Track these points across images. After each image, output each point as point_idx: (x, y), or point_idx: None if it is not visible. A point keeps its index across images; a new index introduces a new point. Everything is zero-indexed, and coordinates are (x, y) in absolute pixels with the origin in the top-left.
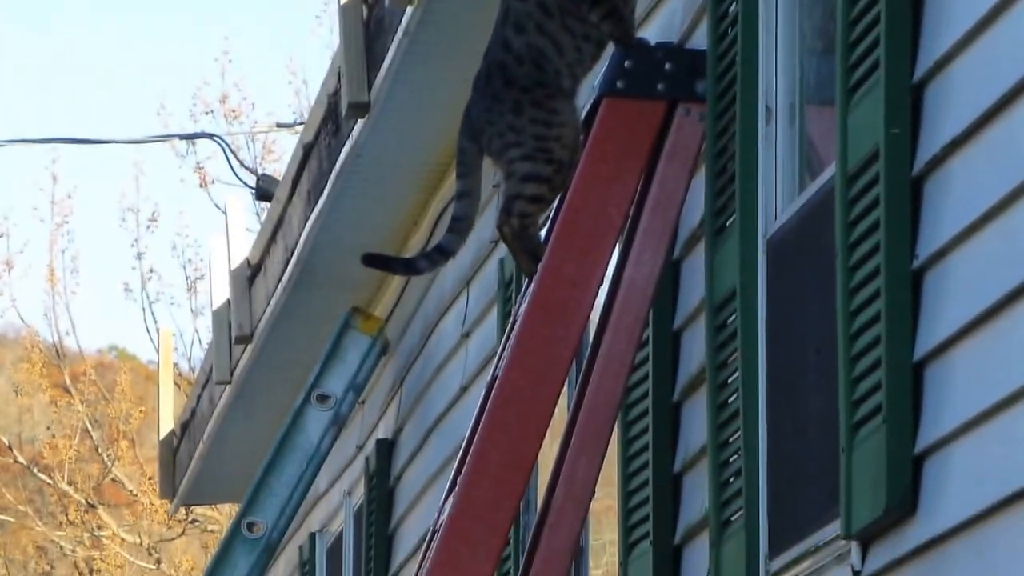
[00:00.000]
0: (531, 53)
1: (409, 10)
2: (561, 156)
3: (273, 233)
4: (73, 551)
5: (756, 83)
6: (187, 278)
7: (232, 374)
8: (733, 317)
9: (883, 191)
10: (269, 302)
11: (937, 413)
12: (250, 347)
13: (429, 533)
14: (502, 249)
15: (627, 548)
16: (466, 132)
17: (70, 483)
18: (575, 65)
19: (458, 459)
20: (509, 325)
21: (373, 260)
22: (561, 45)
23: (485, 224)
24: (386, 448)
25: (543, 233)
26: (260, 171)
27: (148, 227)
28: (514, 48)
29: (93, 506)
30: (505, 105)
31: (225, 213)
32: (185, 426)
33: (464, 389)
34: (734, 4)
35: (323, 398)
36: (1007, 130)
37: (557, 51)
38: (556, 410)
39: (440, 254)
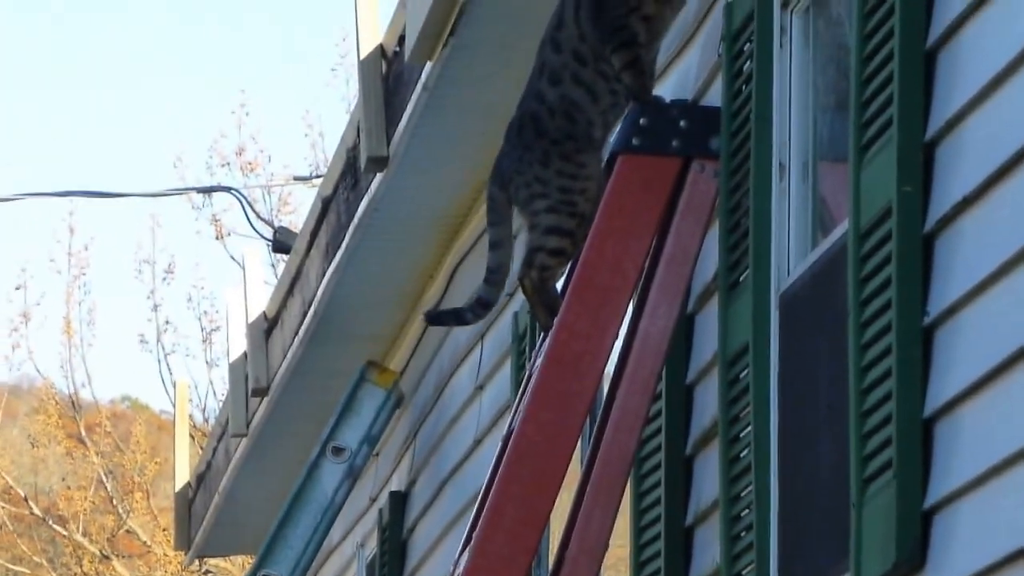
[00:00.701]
0: (564, 105)
1: (428, 65)
2: (584, 210)
3: (291, 286)
4: None
5: (770, 140)
6: (202, 330)
7: (248, 426)
8: (745, 372)
9: (895, 248)
10: (286, 355)
11: (946, 469)
12: (266, 400)
13: None
14: (516, 302)
15: None
16: (496, 181)
17: (85, 534)
18: (608, 112)
19: (473, 513)
20: (524, 379)
21: (434, 318)
22: (596, 92)
23: None
24: (399, 500)
25: (560, 286)
26: (276, 223)
27: (164, 279)
28: (548, 100)
29: (108, 557)
30: (534, 155)
31: (243, 266)
32: (201, 478)
33: (478, 442)
34: (748, 62)
35: (338, 451)
36: (1017, 189)
37: (592, 99)
38: (570, 463)
39: (483, 307)
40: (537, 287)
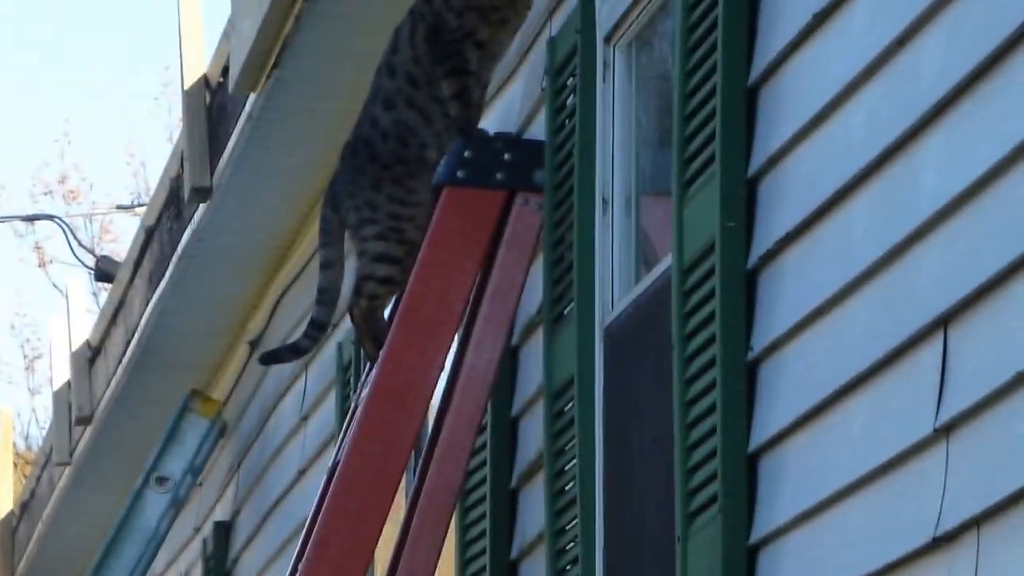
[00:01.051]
0: (398, 129)
1: (252, 96)
2: (413, 237)
3: (114, 315)
4: None
5: (593, 174)
6: (25, 357)
7: (72, 455)
8: (570, 405)
9: (719, 283)
10: (109, 383)
11: (771, 504)
12: (90, 428)
13: None
14: (340, 333)
15: None
16: (329, 203)
17: None
18: (443, 134)
19: (299, 544)
20: (350, 410)
21: (267, 358)
22: (430, 115)
23: None
24: (223, 531)
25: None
26: (99, 252)
27: None
28: (381, 124)
29: None
30: (366, 179)
31: (66, 295)
32: (24, 506)
33: (302, 472)
34: (572, 96)
35: (162, 480)
36: (839, 225)
37: (425, 122)
38: (396, 496)
39: (316, 328)
40: (366, 316)
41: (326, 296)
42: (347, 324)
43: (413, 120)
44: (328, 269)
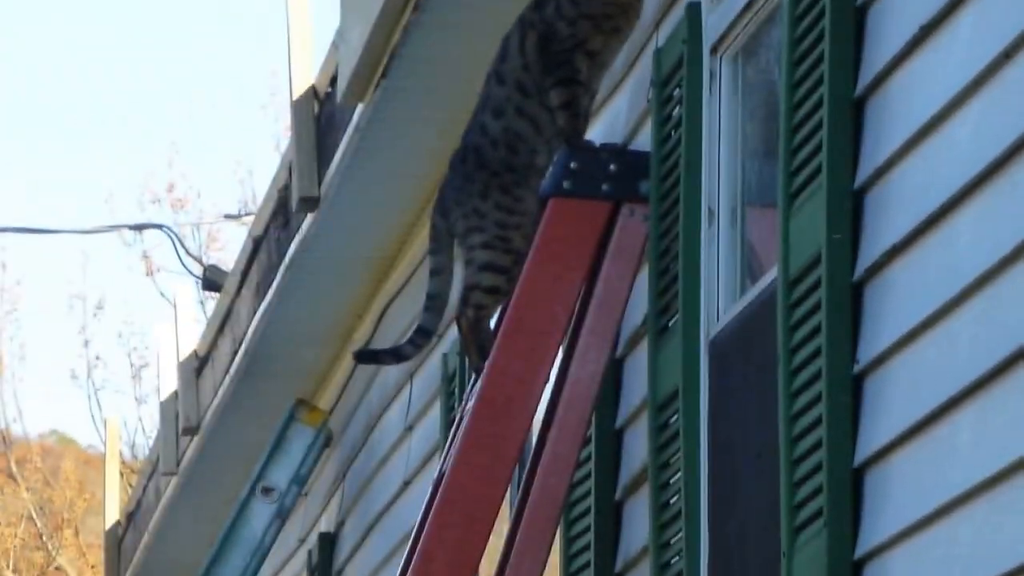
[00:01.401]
0: (507, 137)
1: (360, 107)
2: (519, 246)
3: (221, 325)
4: None
5: (699, 185)
6: (132, 366)
7: (178, 465)
8: (675, 417)
9: (824, 296)
10: (216, 393)
11: (877, 518)
12: (196, 438)
13: None
14: (445, 343)
15: None
16: (438, 209)
17: (15, 571)
18: (553, 140)
19: (404, 557)
20: (455, 422)
21: (364, 356)
22: (539, 123)
23: None
24: (328, 542)
25: (493, 325)
26: (206, 260)
27: (95, 315)
28: (491, 132)
29: None
30: (474, 187)
31: (174, 304)
32: (131, 516)
33: (407, 483)
34: (678, 107)
35: (268, 491)
36: (946, 237)
37: (535, 130)
38: (501, 508)
39: (422, 335)
40: (472, 325)
41: (434, 303)
42: (453, 335)
43: (523, 128)
44: (437, 276)
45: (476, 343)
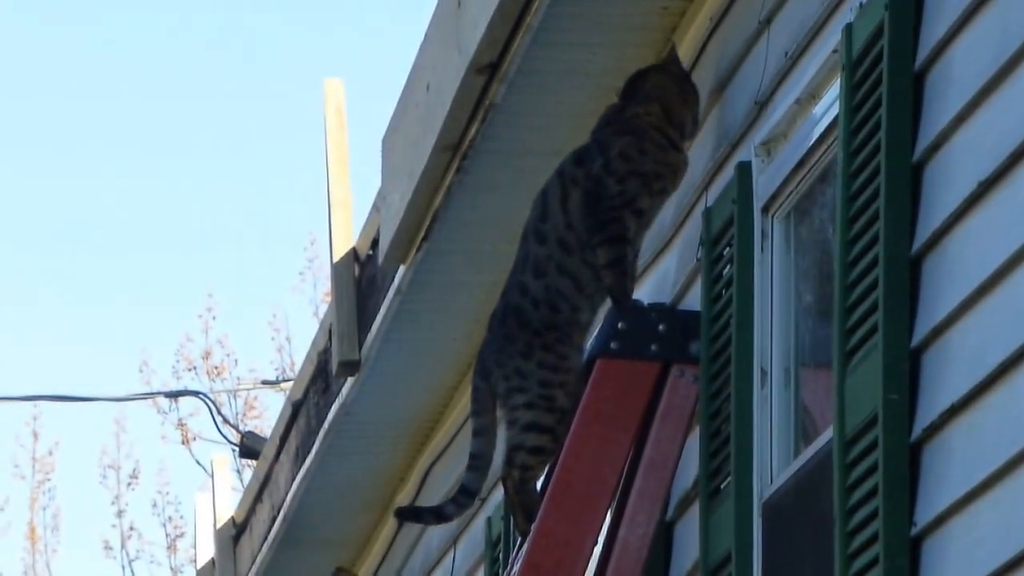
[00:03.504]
0: (548, 295)
1: (401, 269)
2: (564, 404)
3: (259, 491)
4: None
5: (751, 345)
6: (167, 536)
7: None
8: None
9: (881, 456)
10: (254, 561)
11: None
12: None
13: None
14: (489, 507)
15: None
16: (479, 371)
17: None
18: (595, 295)
19: None
20: None
21: (406, 513)
22: (581, 281)
23: None
24: None
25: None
26: (242, 428)
27: (129, 484)
28: (531, 292)
29: None
30: (516, 347)
31: (211, 471)
32: None
33: None
34: (728, 266)
35: None
36: (1006, 397)
37: (577, 287)
38: None
39: (466, 495)
40: (518, 488)
41: (477, 463)
42: (496, 498)
43: (565, 286)
44: (479, 436)
45: (522, 506)
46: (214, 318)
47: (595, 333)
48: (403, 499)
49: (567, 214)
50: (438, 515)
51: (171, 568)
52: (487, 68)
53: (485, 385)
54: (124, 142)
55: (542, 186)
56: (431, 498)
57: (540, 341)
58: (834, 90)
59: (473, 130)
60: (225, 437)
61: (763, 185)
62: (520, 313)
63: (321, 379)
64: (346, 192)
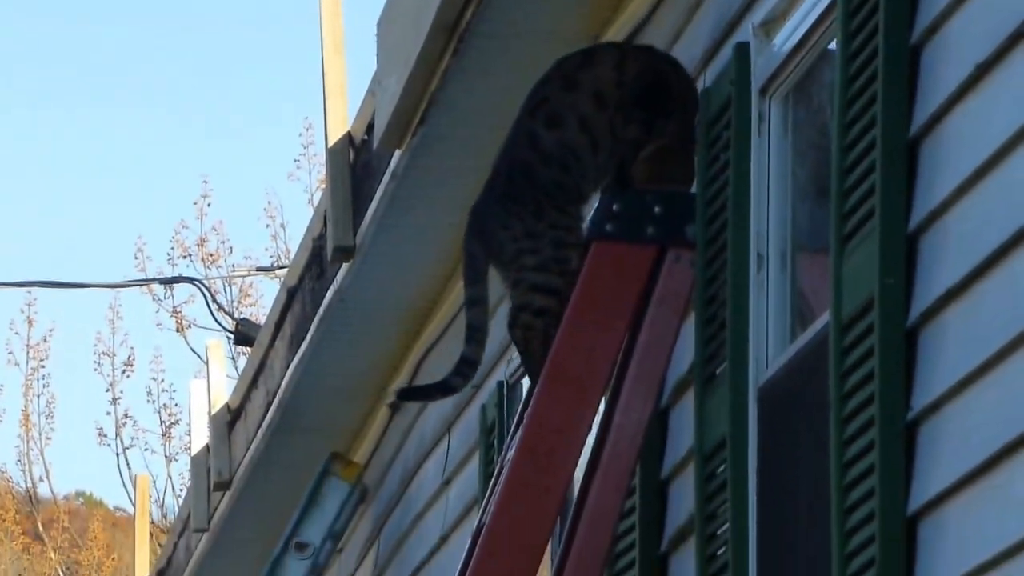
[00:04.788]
0: (561, 152)
1: (397, 154)
2: (575, 267)
3: (254, 377)
4: None
5: (747, 229)
6: (162, 423)
7: (210, 521)
8: (723, 467)
9: (878, 341)
10: (249, 448)
11: (931, 569)
12: (228, 494)
13: None
14: (484, 395)
15: None
16: (475, 234)
17: None
18: (602, 168)
19: None
20: (495, 473)
21: (408, 393)
22: (598, 144)
23: None
24: None
25: (525, 384)
26: (237, 315)
27: (124, 371)
28: (543, 145)
29: None
30: (526, 208)
31: (206, 358)
32: (161, 574)
33: (444, 538)
34: (725, 149)
35: (301, 547)
36: (1003, 282)
37: (592, 151)
38: (542, 561)
39: (468, 366)
40: (522, 348)
41: (476, 334)
42: (491, 386)
43: (581, 145)
44: (476, 306)
45: (528, 370)
46: (209, 205)
47: (589, 215)
48: (397, 386)
49: (622, 74)
50: (443, 389)
51: (165, 455)
52: None
53: (481, 250)
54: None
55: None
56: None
57: (551, 201)
58: None
59: (469, 12)
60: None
61: (761, 66)
62: (529, 170)
63: (316, 265)
64: (341, 77)
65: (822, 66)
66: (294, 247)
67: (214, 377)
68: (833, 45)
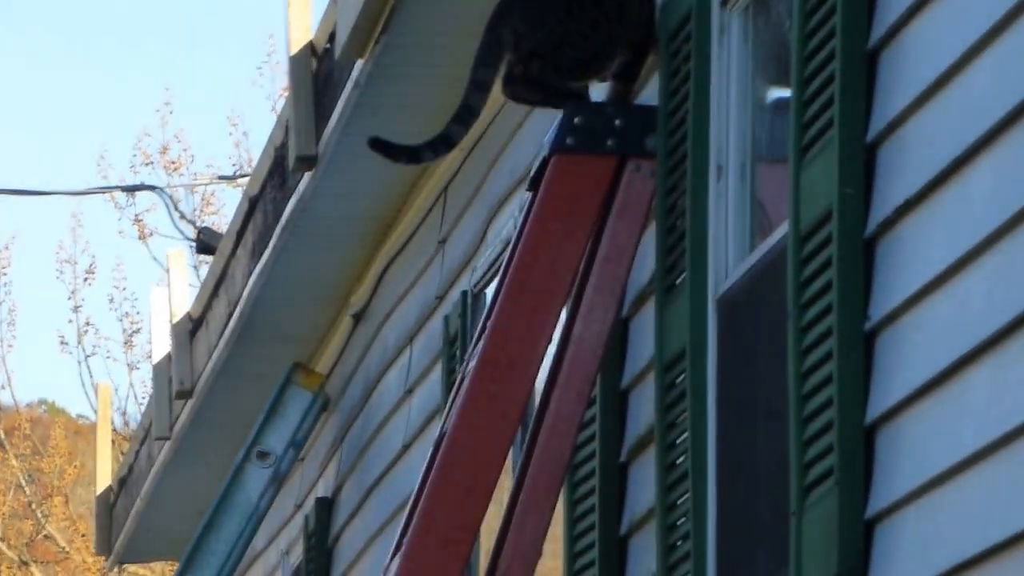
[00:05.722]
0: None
1: (359, 63)
2: (594, 67)
3: (216, 287)
4: None
5: (707, 140)
6: (124, 331)
7: (171, 430)
8: (682, 377)
9: (836, 252)
10: (210, 357)
11: (888, 478)
12: (190, 402)
13: None
14: (447, 305)
15: None
16: (507, 25)
17: (2, 539)
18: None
19: (403, 519)
20: (456, 382)
21: (378, 145)
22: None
23: (430, 280)
24: (325, 507)
25: (489, 294)
26: (199, 223)
27: (86, 279)
28: None
29: (26, 563)
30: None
31: (167, 267)
32: (122, 482)
33: (406, 447)
34: (686, 61)
35: (263, 455)
36: (959, 194)
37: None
38: (503, 469)
39: (444, 144)
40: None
41: (469, 118)
42: (454, 296)
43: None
44: (480, 91)
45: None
46: (171, 112)
47: (550, 130)
48: (360, 297)
49: None
50: (411, 155)
51: (127, 364)
52: None
53: (509, 38)
54: None
55: None
56: (387, 296)
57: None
58: None
59: None
60: (182, 232)
61: None
62: None
63: (278, 174)
64: None
65: None
66: (256, 155)
67: (176, 286)
68: None
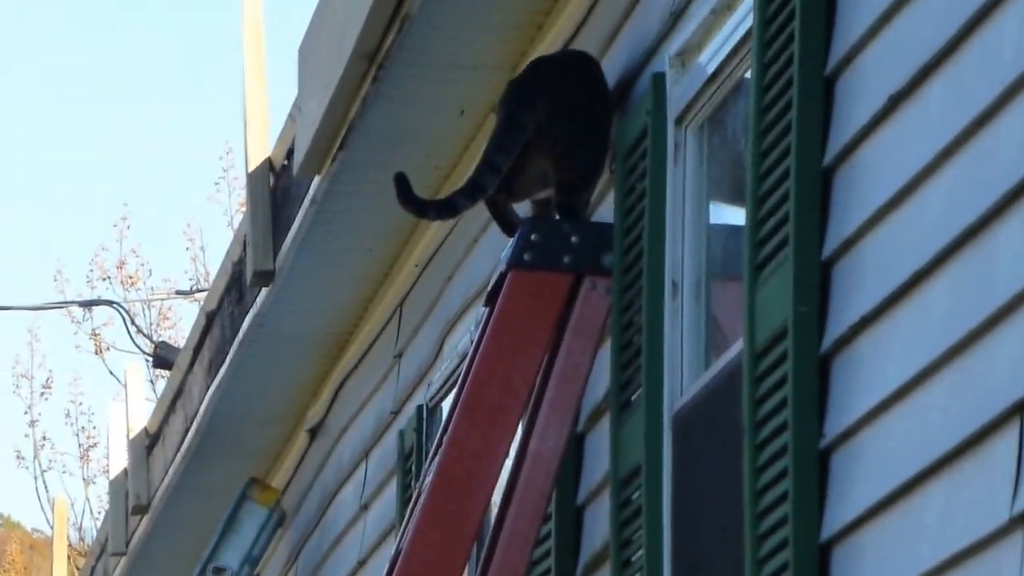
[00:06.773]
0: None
1: (316, 180)
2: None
3: (173, 401)
4: None
5: (662, 258)
6: (80, 446)
7: (128, 545)
8: (638, 493)
9: (791, 369)
10: (167, 471)
11: None
12: (147, 517)
13: None
14: (402, 420)
15: None
16: (534, 106)
17: None
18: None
19: None
20: (413, 497)
21: (401, 181)
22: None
23: (386, 395)
24: None
25: (445, 408)
26: (156, 338)
27: (42, 394)
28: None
29: None
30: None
31: (124, 381)
32: None
33: (362, 563)
34: (642, 178)
35: (219, 571)
36: (916, 310)
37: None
38: None
39: (448, 210)
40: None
41: (477, 194)
42: (409, 411)
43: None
44: (495, 174)
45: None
46: (129, 227)
47: (508, 245)
48: (316, 412)
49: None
50: (419, 208)
51: (84, 478)
52: None
53: (533, 123)
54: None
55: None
56: (343, 411)
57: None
58: (749, 1)
59: (390, 39)
60: (139, 347)
61: (677, 96)
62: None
63: (236, 289)
64: (263, 102)
65: (737, 96)
66: (213, 270)
67: (133, 400)
68: (749, 75)
